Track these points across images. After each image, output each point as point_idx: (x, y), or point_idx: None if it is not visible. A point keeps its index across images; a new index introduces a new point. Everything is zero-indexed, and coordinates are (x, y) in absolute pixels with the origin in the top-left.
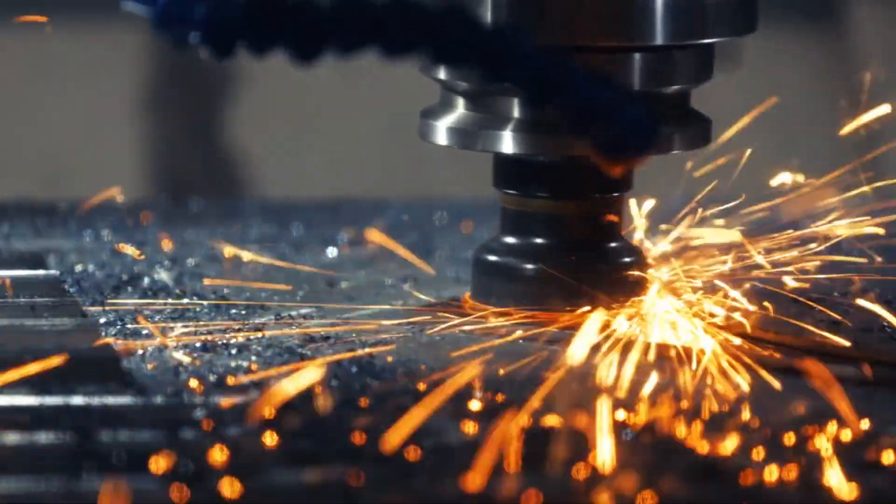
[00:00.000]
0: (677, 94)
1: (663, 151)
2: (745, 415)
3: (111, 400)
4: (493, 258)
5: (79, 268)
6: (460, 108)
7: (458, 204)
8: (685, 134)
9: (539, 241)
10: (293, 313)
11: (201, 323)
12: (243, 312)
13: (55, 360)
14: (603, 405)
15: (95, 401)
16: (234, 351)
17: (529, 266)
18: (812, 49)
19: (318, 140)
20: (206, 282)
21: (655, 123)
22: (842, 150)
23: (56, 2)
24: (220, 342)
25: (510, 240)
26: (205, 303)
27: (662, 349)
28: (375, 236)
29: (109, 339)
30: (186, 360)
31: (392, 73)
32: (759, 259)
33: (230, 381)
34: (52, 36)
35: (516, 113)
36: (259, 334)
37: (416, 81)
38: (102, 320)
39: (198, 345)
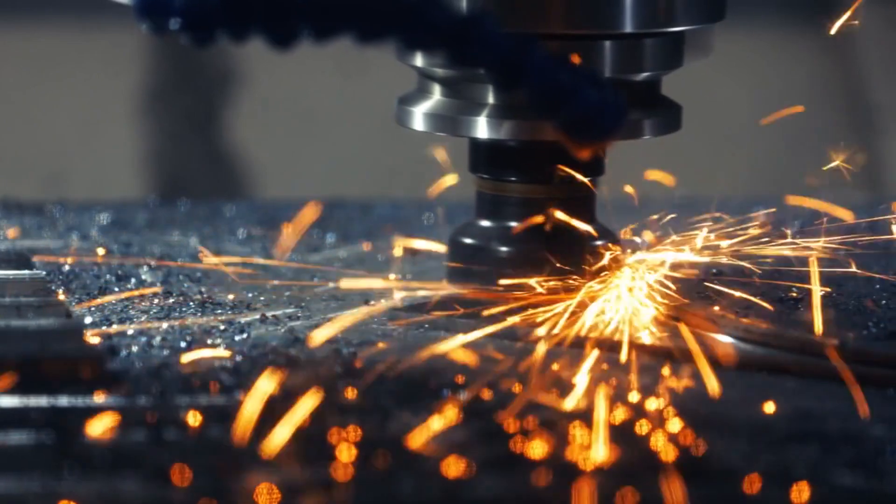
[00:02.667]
0: (647, 80)
1: (633, 137)
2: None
3: (96, 400)
4: (468, 241)
5: (66, 268)
6: (436, 95)
7: (452, 204)
8: (655, 120)
9: (513, 223)
10: (278, 313)
11: (187, 322)
12: (229, 312)
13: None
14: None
15: (80, 401)
16: (219, 350)
17: (504, 248)
18: (812, 49)
19: (318, 140)
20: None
21: (621, 106)
22: (839, 148)
23: (56, 2)
24: (206, 341)
25: (485, 223)
26: (192, 303)
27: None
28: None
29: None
30: None
31: (392, 74)
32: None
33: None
34: (52, 36)
35: (491, 99)
36: (244, 335)
37: (415, 82)
38: (88, 320)
39: (183, 344)
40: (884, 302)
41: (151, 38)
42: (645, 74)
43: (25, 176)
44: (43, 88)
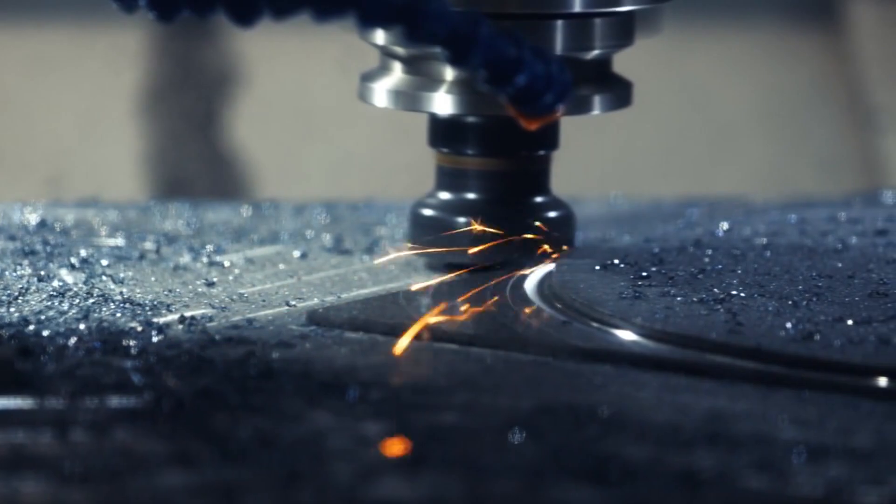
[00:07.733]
0: (597, 58)
1: (583, 112)
2: None
3: (2, 402)
4: (428, 213)
5: None
6: (397, 72)
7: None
8: (604, 96)
9: (471, 196)
10: (196, 314)
11: (105, 323)
12: (149, 312)
13: None
14: None
15: None
16: (134, 351)
17: (461, 219)
18: (812, 49)
19: (318, 140)
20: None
21: (567, 80)
22: (838, 148)
23: (56, 2)
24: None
25: (444, 195)
26: (111, 304)
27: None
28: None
29: None
30: None
31: None
32: None
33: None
34: (52, 36)
35: (448, 75)
36: (160, 336)
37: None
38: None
39: (97, 344)
40: (805, 303)
41: (152, 38)
42: (595, 52)
43: (26, 176)
44: (43, 88)
